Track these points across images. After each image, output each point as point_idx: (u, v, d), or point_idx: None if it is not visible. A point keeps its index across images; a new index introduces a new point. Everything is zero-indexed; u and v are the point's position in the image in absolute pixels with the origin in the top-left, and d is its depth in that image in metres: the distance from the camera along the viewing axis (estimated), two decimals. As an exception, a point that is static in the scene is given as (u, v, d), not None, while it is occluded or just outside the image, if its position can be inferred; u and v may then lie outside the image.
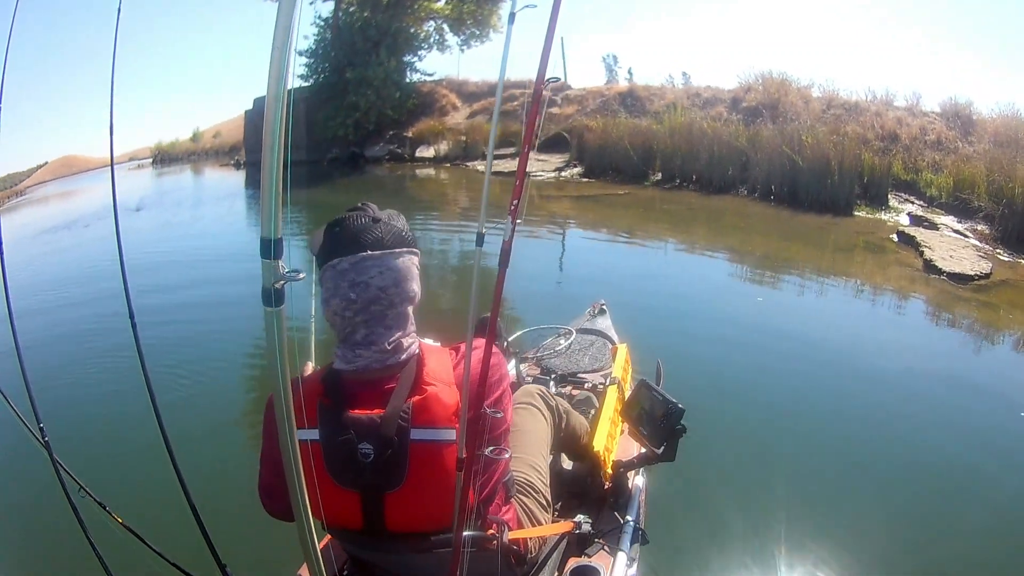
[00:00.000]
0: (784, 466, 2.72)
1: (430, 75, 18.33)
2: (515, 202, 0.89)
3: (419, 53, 18.15)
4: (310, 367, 1.33)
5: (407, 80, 17.75)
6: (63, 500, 1.55)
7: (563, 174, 11.42)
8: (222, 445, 2.88)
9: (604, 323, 2.74)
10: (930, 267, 5.60)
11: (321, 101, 16.96)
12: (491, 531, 1.16)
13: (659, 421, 1.55)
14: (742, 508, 2.40)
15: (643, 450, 1.66)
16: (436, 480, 1.06)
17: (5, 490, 2.71)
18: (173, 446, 1.62)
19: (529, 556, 1.33)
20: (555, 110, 13.34)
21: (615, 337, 2.58)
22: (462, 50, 18.33)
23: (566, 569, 1.39)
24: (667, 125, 10.31)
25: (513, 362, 2.31)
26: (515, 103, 14.20)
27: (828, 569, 2.10)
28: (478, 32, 17.77)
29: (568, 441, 1.73)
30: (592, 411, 1.98)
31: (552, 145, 12.38)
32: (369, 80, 16.30)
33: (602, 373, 2.26)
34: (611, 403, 1.86)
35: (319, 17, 18.00)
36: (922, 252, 5.98)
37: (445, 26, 18.08)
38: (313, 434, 1.04)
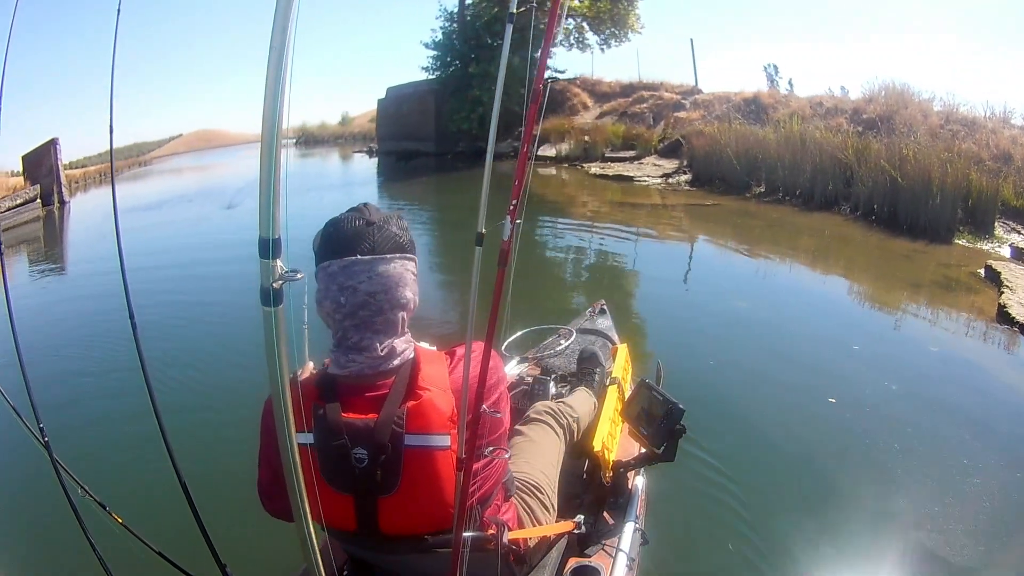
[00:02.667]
0: (784, 466, 2.72)
1: (561, 72, 17.63)
2: (514, 202, 0.89)
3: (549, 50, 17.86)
4: (310, 367, 1.33)
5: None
6: (63, 500, 1.55)
7: (670, 180, 10.89)
8: (222, 445, 2.87)
9: (604, 323, 2.74)
10: (1003, 315, 4.41)
11: (448, 94, 16.90)
12: (491, 531, 1.16)
13: (659, 421, 1.55)
14: (742, 508, 2.40)
15: (643, 450, 1.66)
16: (430, 485, 1.06)
17: (5, 490, 2.71)
18: (173, 446, 1.62)
19: (529, 556, 1.33)
20: (682, 114, 12.91)
21: (615, 337, 2.58)
22: (602, 50, 17.89)
23: (566, 569, 1.39)
24: (782, 134, 9.46)
25: (513, 362, 2.31)
26: (644, 105, 14.12)
27: (828, 569, 2.10)
28: (617, 32, 17.30)
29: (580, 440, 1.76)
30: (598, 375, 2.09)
31: (673, 150, 11.96)
32: (493, 75, 15.83)
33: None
34: (611, 403, 1.86)
35: (443, 10, 17.95)
36: (1001, 293, 4.79)
37: (585, 24, 17.59)
38: (308, 438, 1.03)
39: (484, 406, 1.02)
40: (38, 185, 16.19)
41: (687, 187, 10.39)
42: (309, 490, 0.73)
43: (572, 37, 17.79)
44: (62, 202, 17.05)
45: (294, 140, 33.15)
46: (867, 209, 7.61)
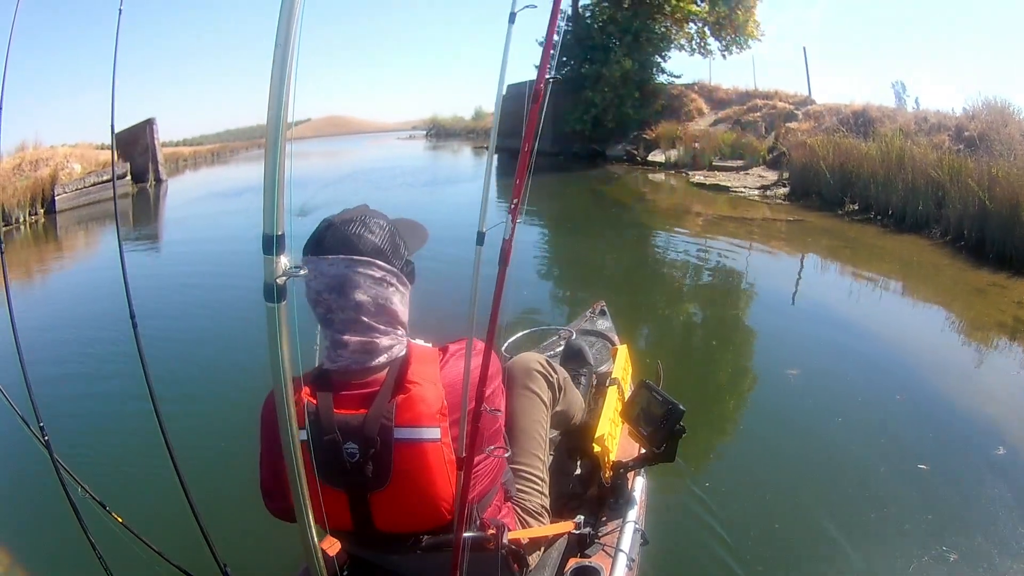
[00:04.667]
0: (784, 466, 2.73)
1: (677, 77, 17.55)
2: (515, 201, 0.89)
3: (664, 54, 17.45)
4: None
5: (656, 81, 17.14)
6: (63, 500, 1.55)
7: (768, 193, 10.46)
8: (223, 445, 2.87)
9: (604, 324, 2.74)
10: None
11: (564, 94, 16.71)
12: (490, 532, 1.16)
13: (659, 421, 1.55)
14: (742, 508, 2.40)
15: (643, 450, 1.66)
16: (422, 479, 1.06)
17: (5, 490, 2.71)
18: (173, 446, 1.62)
19: (528, 556, 1.33)
20: (793, 125, 12.59)
21: (615, 338, 2.58)
22: (724, 56, 17.53)
23: (566, 569, 1.39)
24: (886, 148, 8.65)
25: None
26: (758, 114, 13.85)
27: (828, 568, 2.10)
28: (737, 38, 16.97)
29: (564, 417, 1.67)
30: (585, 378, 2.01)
31: (778, 162, 11.65)
32: (606, 77, 15.93)
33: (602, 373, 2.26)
34: (611, 403, 1.86)
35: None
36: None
37: (707, 29, 17.29)
38: (302, 434, 1.04)
39: (482, 405, 1.02)
40: (128, 163, 16.64)
41: (782, 200, 9.91)
42: (310, 489, 0.73)
43: (694, 42, 17.61)
44: (158, 180, 17.56)
45: (425, 132, 33.13)
46: (956, 233, 6.82)
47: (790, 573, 2.10)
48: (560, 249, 7.81)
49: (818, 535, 2.24)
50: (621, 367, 2.15)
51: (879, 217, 8.10)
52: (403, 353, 1.12)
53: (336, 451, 1.04)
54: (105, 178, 15.32)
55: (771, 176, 11.35)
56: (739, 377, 3.76)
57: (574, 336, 2.49)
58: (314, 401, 1.06)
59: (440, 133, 33.11)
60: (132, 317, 1.73)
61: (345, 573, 1.30)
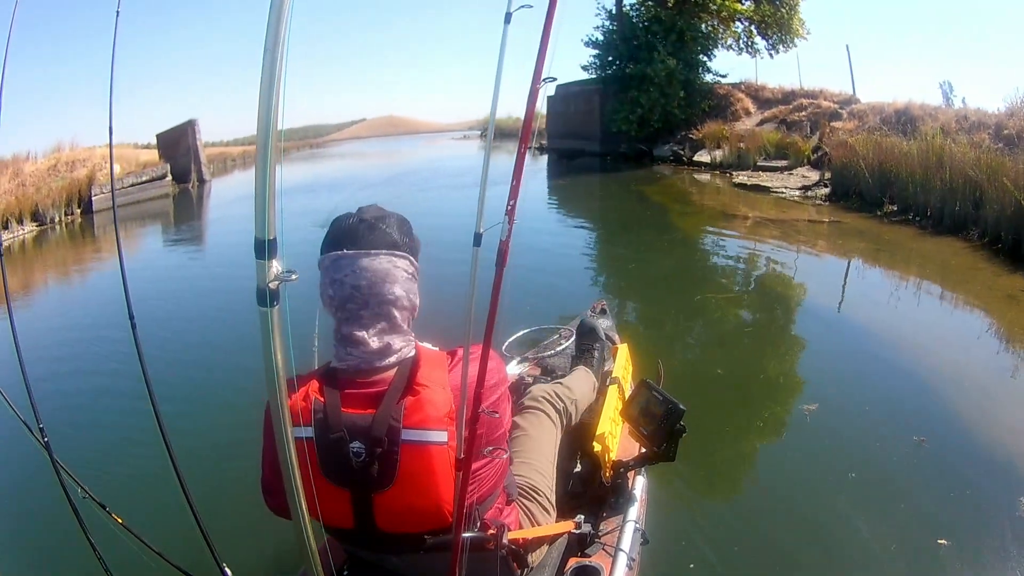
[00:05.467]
0: (784, 466, 2.72)
1: (723, 76, 17.31)
2: (511, 202, 0.88)
3: (710, 53, 17.20)
4: None
5: (703, 80, 16.80)
6: (63, 500, 1.56)
7: (808, 193, 10.19)
8: (222, 446, 2.88)
9: (605, 323, 2.74)
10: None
11: (611, 94, 16.70)
12: (490, 532, 1.16)
13: (659, 421, 1.55)
14: (741, 508, 2.40)
15: (643, 450, 1.66)
16: (426, 481, 1.06)
17: (5, 490, 2.72)
18: (173, 446, 1.62)
19: (529, 556, 1.33)
20: (837, 124, 12.31)
21: (616, 337, 2.58)
22: (771, 55, 17.26)
23: (566, 569, 1.39)
24: (926, 147, 8.26)
25: (513, 362, 2.31)
26: (803, 113, 13.61)
27: (828, 568, 2.10)
28: (783, 37, 16.70)
29: (578, 429, 1.77)
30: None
31: (821, 162, 11.36)
32: (650, 77, 15.74)
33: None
34: (611, 403, 1.85)
35: (603, 8, 17.64)
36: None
37: (754, 28, 17.08)
38: (308, 431, 1.04)
39: (483, 406, 1.02)
40: (167, 164, 16.89)
41: (822, 201, 9.62)
42: (308, 487, 0.73)
43: (741, 41, 17.40)
44: (201, 180, 17.71)
45: (479, 132, 33.07)
46: (994, 236, 6.48)
47: (790, 573, 2.10)
48: (582, 248, 7.74)
49: (818, 535, 2.24)
50: (621, 366, 2.15)
51: (917, 218, 7.77)
52: (412, 354, 1.13)
53: (342, 449, 1.04)
54: (144, 179, 15.71)
55: (813, 176, 11.11)
56: (741, 378, 3.76)
57: (574, 336, 2.50)
58: (322, 399, 1.06)
59: (496, 133, 32.86)
60: (131, 318, 1.73)
61: (345, 573, 1.30)
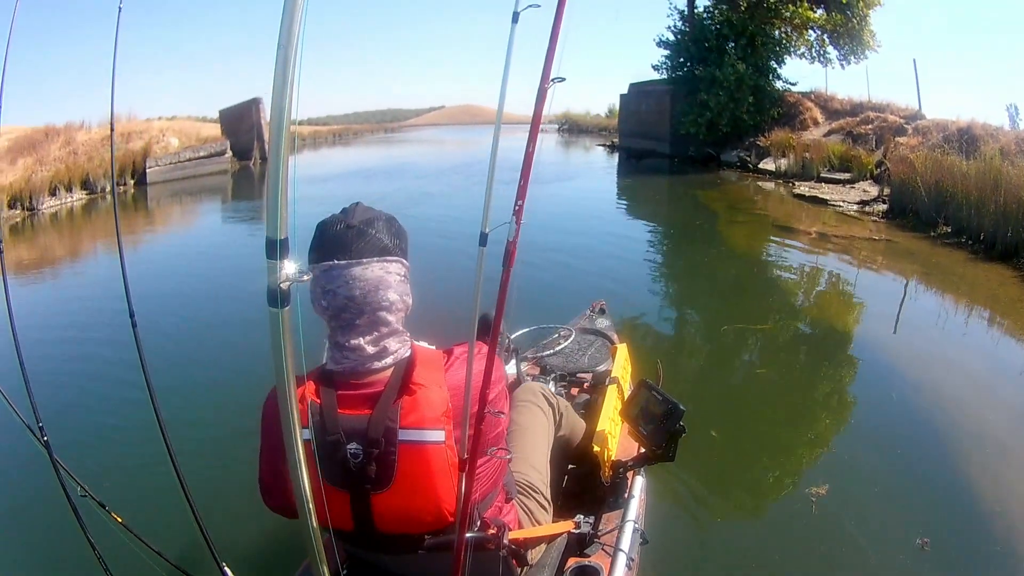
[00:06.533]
0: (784, 466, 2.73)
1: (793, 84, 17.12)
2: (519, 203, 0.88)
3: (781, 59, 16.98)
4: None
5: (773, 87, 16.54)
6: (63, 500, 1.55)
7: (866, 209, 9.89)
8: (222, 445, 2.87)
9: (604, 323, 2.74)
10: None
11: (681, 96, 16.53)
12: (491, 532, 1.16)
13: (659, 421, 1.55)
14: (741, 508, 2.41)
15: (643, 450, 1.66)
16: (425, 482, 1.06)
17: (5, 490, 2.70)
18: (173, 446, 1.62)
19: (529, 556, 1.33)
20: (902, 139, 12.05)
21: (615, 337, 2.58)
22: (842, 66, 16.85)
23: (566, 569, 1.39)
24: (984, 168, 7.85)
25: (513, 361, 2.31)
26: (869, 126, 13.27)
27: (827, 568, 2.11)
28: (855, 48, 16.42)
29: (566, 441, 1.74)
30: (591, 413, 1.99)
31: (883, 177, 11.01)
32: (719, 80, 15.51)
33: (602, 373, 2.26)
34: (611, 403, 1.86)
35: (674, 8, 17.45)
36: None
37: (826, 37, 16.61)
38: (305, 433, 1.04)
39: (485, 407, 1.02)
40: (228, 140, 16.99)
41: (878, 218, 9.25)
42: (311, 488, 0.73)
43: (814, 50, 17.17)
44: (263, 159, 17.65)
45: (556, 126, 32.91)
46: None
47: (790, 573, 2.10)
48: (615, 251, 7.51)
49: (818, 535, 2.24)
50: (621, 366, 2.15)
51: (969, 242, 7.38)
52: (408, 355, 1.12)
53: (339, 451, 1.04)
54: (202, 154, 15.73)
55: (873, 191, 10.79)
56: (744, 379, 3.77)
57: (573, 335, 2.50)
58: (318, 400, 1.06)
59: (572, 129, 32.72)
60: (132, 316, 1.72)
61: (344, 573, 1.30)
